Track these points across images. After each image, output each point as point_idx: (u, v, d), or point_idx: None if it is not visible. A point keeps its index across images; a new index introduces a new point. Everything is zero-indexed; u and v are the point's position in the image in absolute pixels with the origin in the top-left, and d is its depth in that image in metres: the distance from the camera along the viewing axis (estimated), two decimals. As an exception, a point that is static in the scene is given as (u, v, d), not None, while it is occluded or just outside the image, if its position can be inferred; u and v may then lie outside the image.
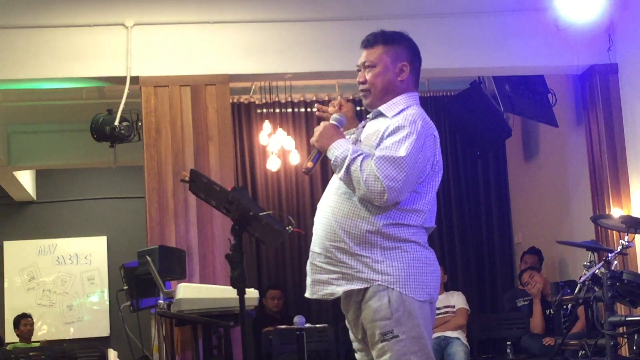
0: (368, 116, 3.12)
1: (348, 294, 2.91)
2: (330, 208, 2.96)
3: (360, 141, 3.01)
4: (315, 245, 3.00)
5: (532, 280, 6.91)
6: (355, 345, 3.05)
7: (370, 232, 2.86)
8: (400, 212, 2.87)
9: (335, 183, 3.00)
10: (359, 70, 3.07)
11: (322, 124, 3.03)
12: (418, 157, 2.83)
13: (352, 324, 2.99)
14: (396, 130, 2.86)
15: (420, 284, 2.86)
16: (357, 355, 3.06)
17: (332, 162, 2.93)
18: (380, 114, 3.00)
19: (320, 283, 2.98)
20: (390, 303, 2.82)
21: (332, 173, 3.02)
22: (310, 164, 3.03)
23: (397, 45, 3.03)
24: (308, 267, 3.05)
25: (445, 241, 8.29)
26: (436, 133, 2.96)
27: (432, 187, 2.94)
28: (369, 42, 3.04)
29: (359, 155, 2.86)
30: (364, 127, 3.08)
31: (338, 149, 2.91)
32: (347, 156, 2.87)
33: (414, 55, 3.06)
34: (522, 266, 7.40)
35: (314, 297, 3.02)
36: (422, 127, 2.87)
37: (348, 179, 2.87)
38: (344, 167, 2.86)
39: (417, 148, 2.82)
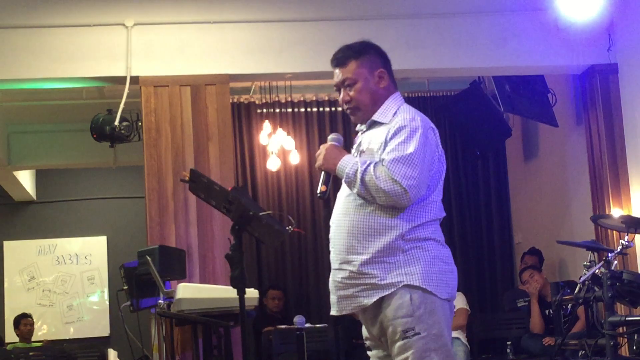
0: (359, 127, 3.13)
1: None
2: (348, 223, 2.95)
3: (363, 152, 3.01)
4: (335, 262, 2.98)
5: (532, 279, 6.92)
6: (368, 342, 3.03)
7: (391, 239, 2.87)
8: (416, 209, 2.91)
9: (344, 198, 3.00)
10: (337, 90, 3.10)
11: (322, 147, 3.04)
12: (426, 151, 2.89)
13: (370, 322, 2.97)
14: (398, 131, 2.89)
15: (441, 282, 2.89)
16: (370, 353, 3.05)
17: (344, 180, 2.94)
18: (375, 123, 3.03)
19: (346, 298, 2.95)
20: (412, 301, 2.83)
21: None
22: (324, 187, 3.02)
23: (368, 55, 3.08)
24: (331, 285, 3.02)
25: (445, 241, 8.27)
26: (433, 125, 3.02)
27: (440, 178, 3.01)
28: (340, 60, 3.08)
29: (369, 165, 2.88)
30: (360, 140, 3.09)
31: (347, 166, 2.92)
32: (357, 169, 2.88)
33: (384, 59, 3.11)
34: (522, 267, 7.41)
35: (343, 313, 2.99)
36: (422, 122, 2.93)
37: (366, 191, 2.88)
38: (358, 180, 2.88)
39: (423, 143, 2.88)
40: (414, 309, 2.82)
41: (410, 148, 2.84)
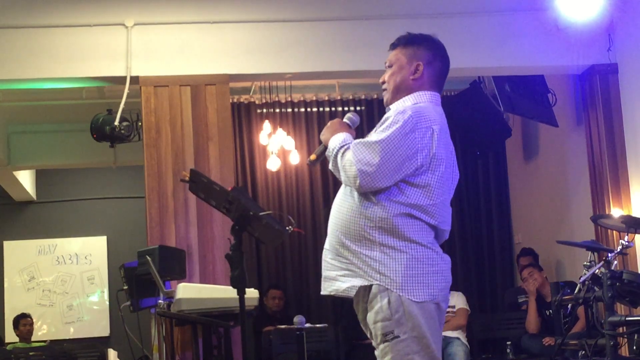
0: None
1: (356, 293, 2.90)
2: (336, 206, 2.98)
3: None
4: (326, 242, 3.01)
5: (531, 277, 6.92)
6: (373, 343, 3.04)
7: (369, 227, 2.85)
8: (396, 204, 2.85)
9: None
10: None
11: (333, 120, 3.07)
12: (400, 143, 2.79)
13: (362, 323, 3.00)
14: (383, 122, 2.89)
15: (420, 285, 2.84)
16: (376, 352, 3.05)
17: (326, 153, 2.98)
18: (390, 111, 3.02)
19: (328, 279, 2.97)
20: (390, 304, 2.81)
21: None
22: (313, 157, 3.05)
23: (416, 46, 3.04)
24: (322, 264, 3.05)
25: (446, 241, 8.25)
26: (436, 127, 2.88)
27: (432, 181, 2.88)
28: (393, 45, 3.09)
29: (345, 144, 2.90)
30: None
31: (334, 141, 2.95)
32: (336, 146, 2.91)
33: (433, 56, 3.04)
34: (519, 269, 7.42)
35: (324, 293, 3.01)
36: (412, 117, 2.83)
37: (334, 169, 2.92)
38: (332, 157, 2.92)
39: (400, 134, 2.79)
40: (392, 312, 2.81)
41: (382, 136, 2.80)
